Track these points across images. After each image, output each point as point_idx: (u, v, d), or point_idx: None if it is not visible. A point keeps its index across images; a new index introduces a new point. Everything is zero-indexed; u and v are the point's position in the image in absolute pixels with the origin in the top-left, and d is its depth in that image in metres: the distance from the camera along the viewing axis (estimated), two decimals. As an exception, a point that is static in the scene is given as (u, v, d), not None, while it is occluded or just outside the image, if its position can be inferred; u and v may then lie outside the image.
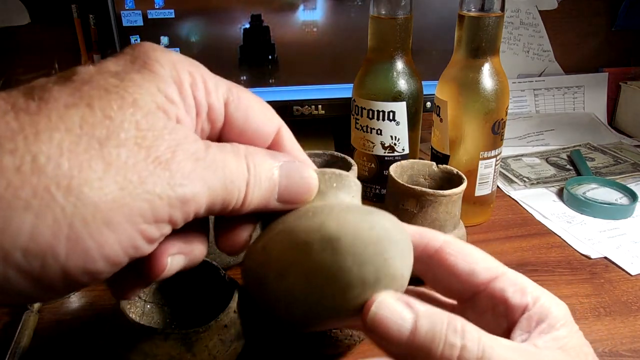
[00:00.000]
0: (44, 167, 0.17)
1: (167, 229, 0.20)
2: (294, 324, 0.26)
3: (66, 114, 0.18)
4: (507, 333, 0.26)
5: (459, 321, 0.23)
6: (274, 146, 0.25)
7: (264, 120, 0.24)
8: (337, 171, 0.26)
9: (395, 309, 0.23)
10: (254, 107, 0.24)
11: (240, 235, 0.25)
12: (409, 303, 0.23)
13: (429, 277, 0.29)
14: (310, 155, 0.53)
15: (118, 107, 0.19)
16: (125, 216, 0.18)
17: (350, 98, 0.63)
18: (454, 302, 0.31)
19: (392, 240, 0.23)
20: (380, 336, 0.23)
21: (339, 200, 0.26)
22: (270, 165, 0.23)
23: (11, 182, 0.16)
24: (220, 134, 0.24)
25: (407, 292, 0.28)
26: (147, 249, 0.20)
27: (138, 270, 0.23)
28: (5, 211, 0.16)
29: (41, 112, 0.18)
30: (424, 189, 0.49)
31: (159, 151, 0.19)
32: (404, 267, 0.24)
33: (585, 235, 0.61)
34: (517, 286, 0.27)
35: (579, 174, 0.76)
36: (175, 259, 0.23)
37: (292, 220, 0.24)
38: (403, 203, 0.50)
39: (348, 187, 0.26)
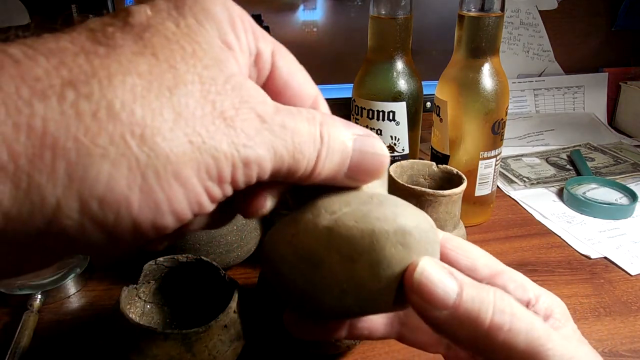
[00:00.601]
0: (119, 114, 0.16)
1: (229, 190, 0.19)
2: (334, 312, 0.25)
3: (135, 60, 0.17)
4: None
5: (503, 292, 0.23)
6: None
7: (306, 79, 0.24)
8: None
9: (442, 272, 0.23)
10: (297, 66, 0.23)
11: (265, 199, 0.23)
12: (453, 272, 0.23)
13: None
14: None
15: (181, 58, 0.18)
16: (194, 171, 0.17)
17: (350, 98, 0.63)
18: None
19: (438, 239, 0.24)
20: (426, 298, 0.22)
21: (384, 191, 0.25)
22: (345, 137, 0.22)
23: (89, 128, 0.16)
24: (264, 86, 0.22)
25: None
26: (210, 207, 0.19)
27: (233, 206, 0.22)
28: (85, 158, 0.16)
29: (110, 56, 0.17)
30: (424, 189, 0.49)
31: (223, 106, 0.18)
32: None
33: (585, 235, 0.61)
34: (517, 283, 0.27)
35: (579, 174, 0.76)
36: (269, 200, 0.23)
37: (360, 204, 0.23)
38: (403, 203, 0.50)
39: (385, 179, 0.26)
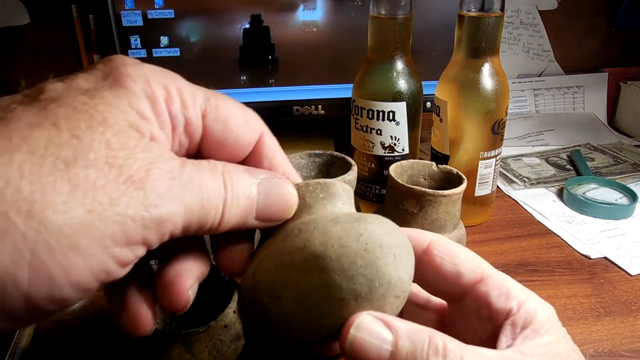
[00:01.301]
0: (1, 192, 0.16)
1: (142, 251, 0.19)
2: (297, 342, 0.26)
3: (30, 135, 0.17)
4: (493, 337, 0.26)
5: (440, 339, 0.22)
6: (254, 154, 0.25)
7: (244, 129, 0.24)
8: (322, 181, 0.25)
9: (374, 330, 0.22)
10: (234, 116, 0.23)
11: (239, 254, 0.25)
12: (388, 322, 0.22)
13: (418, 277, 0.29)
14: (310, 155, 0.53)
15: (87, 127, 0.18)
16: (95, 240, 0.17)
17: (350, 98, 0.63)
18: (439, 305, 0.31)
19: (383, 246, 0.22)
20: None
21: (327, 212, 0.25)
22: (248, 183, 0.23)
23: None
24: (199, 147, 0.23)
25: None
26: (120, 272, 0.19)
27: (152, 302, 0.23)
28: None
29: (1, 134, 0.17)
30: (423, 189, 0.49)
31: (131, 170, 0.18)
32: (402, 270, 0.23)
33: (585, 235, 0.61)
34: (501, 290, 0.26)
35: (579, 174, 0.76)
36: (194, 287, 0.23)
37: (278, 241, 0.23)
38: (403, 203, 0.50)
39: (336, 195, 0.25)
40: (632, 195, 0.68)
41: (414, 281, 0.29)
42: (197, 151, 0.23)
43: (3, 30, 0.82)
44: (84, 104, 0.18)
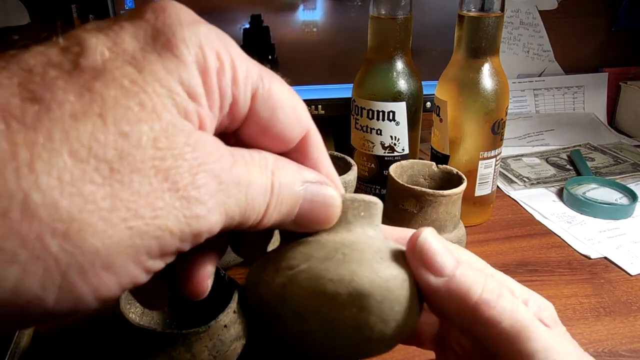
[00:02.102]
0: (36, 210, 0.14)
1: (170, 260, 0.18)
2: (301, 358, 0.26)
3: (72, 128, 0.15)
4: None
5: (496, 280, 0.23)
6: (298, 151, 0.23)
7: (292, 122, 0.21)
8: (367, 198, 0.24)
9: (443, 246, 0.23)
10: (284, 105, 0.21)
11: (256, 248, 0.24)
12: (452, 251, 0.24)
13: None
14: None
15: (136, 120, 0.16)
16: (130, 257, 0.16)
17: (350, 98, 0.63)
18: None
19: (410, 295, 0.23)
20: (425, 262, 0.23)
21: (366, 236, 0.24)
22: (297, 185, 0.21)
23: None
24: (240, 127, 0.21)
25: None
26: (144, 280, 0.17)
27: (168, 288, 0.22)
28: None
29: (41, 125, 0.14)
30: (423, 189, 0.49)
31: (177, 174, 0.16)
32: (417, 315, 0.24)
33: (585, 235, 0.61)
34: (505, 287, 0.27)
35: (579, 174, 0.76)
36: (212, 275, 0.22)
37: (318, 259, 0.22)
38: (403, 203, 0.50)
39: (375, 216, 0.25)
40: (632, 195, 0.68)
41: None
42: (235, 132, 0.21)
43: (3, 30, 0.82)
44: (133, 82, 0.16)
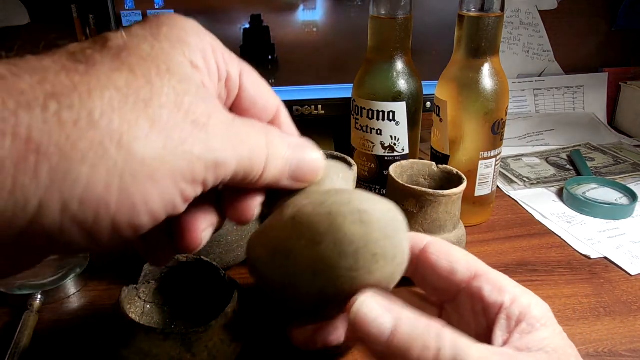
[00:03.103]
0: (98, 122, 0.18)
1: (199, 190, 0.21)
2: (312, 298, 0.26)
3: (112, 76, 0.19)
4: (488, 332, 0.27)
5: (437, 326, 0.24)
6: (275, 121, 0.27)
7: (270, 95, 0.26)
8: (338, 162, 0.29)
9: (377, 311, 0.24)
10: (261, 83, 0.26)
11: (252, 205, 0.26)
12: (390, 308, 0.24)
13: (417, 277, 0.30)
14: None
15: (156, 74, 0.20)
16: (168, 173, 0.19)
17: (350, 98, 0.63)
18: (440, 302, 0.31)
19: (402, 222, 0.26)
20: (362, 333, 0.24)
21: (339, 187, 0.27)
22: (285, 145, 0.25)
23: (70, 135, 0.17)
24: (233, 104, 0.25)
25: (401, 292, 0.29)
26: (182, 207, 0.21)
27: (172, 243, 0.25)
28: (65, 162, 0.17)
29: (90, 73, 0.18)
30: (423, 189, 0.49)
31: (196, 114, 0.20)
32: (406, 247, 0.26)
33: (585, 235, 0.61)
34: (494, 285, 0.28)
35: (579, 174, 0.76)
36: (207, 232, 0.25)
37: (318, 196, 0.25)
38: (403, 203, 0.50)
39: (350, 180, 0.29)
40: (632, 195, 0.68)
41: (414, 282, 0.30)
42: (230, 109, 0.25)
43: (3, 30, 0.82)
44: (148, 54, 0.20)
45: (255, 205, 0.26)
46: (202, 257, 0.43)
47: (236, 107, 0.25)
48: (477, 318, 0.28)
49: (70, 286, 0.50)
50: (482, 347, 0.23)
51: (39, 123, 0.17)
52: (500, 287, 0.27)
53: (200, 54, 0.22)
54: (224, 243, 0.50)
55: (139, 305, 0.44)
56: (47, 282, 0.49)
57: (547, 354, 0.24)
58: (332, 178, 0.28)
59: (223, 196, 0.26)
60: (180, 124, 0.20)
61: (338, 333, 0.30)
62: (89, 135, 0.17)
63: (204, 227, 0.25)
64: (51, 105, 0.17)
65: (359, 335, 0.24)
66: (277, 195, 0.27)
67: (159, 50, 0.21)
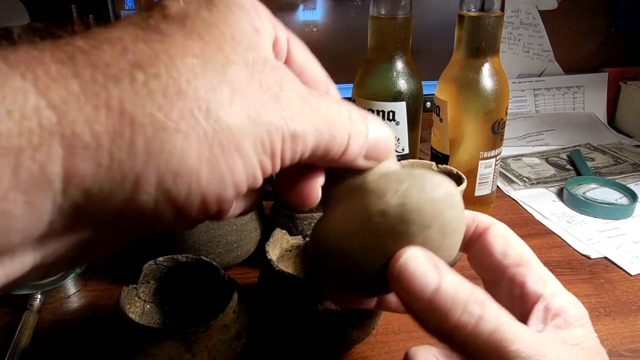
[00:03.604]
0: (186, 91, 0.17)
1: (278, 165, 0.20)
2: None
3: (187, 44, 0.18)
4: (520, 320, 0.26)
5: (481, 293, 0.23)
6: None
7: (318, 69, 0.25)
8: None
9: (425, 266, 0.23)
10: (309, 54, 0.24)
11: (316, 186, 0.25)
12: (437, 265, 0.24)
13: (471, 253, 0.30)
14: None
15: (223, 40, 0.19)
16: (251, 144, 0.18)
17: (350, 98, 0.63)
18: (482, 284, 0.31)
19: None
20: (405, 288, 0.23)
21: (397, 165, 0.27)
22: (363, 120, 0.23)
23: (162, 106, 0.16)
24: None
25: None
26: (260, 182, 0.20)
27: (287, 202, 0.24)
28: (161, 133, 0.16)
29: (166, 41, 0.18)
30: (423, 189, 0.48)
31: (268, 84, 0.19)
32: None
33: (585, 235, 0.61)
34: (540, 276, 0.28)
35: (579, 174, 0.76)
36: (319, 191, 0.24)
37: (410, 178, 0.25)
38: (403, 203, 0.50)
39: (394, 154, 0.28)
40: (632, 195, 0.68)
41: (467, 255, 0.31)
42: None
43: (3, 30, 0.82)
44: (210, 21, 0.19)
45: (318, 186, 0.24)
46: (202, 257, 0.43)
47: None
48: (513, 303, 0.27)
49: (70, 286, 0.50)
50: (523, 328, 0.23)
51: (129, 95, 0.16)
52: (545, 280, 0.27)
53: (256, 16, 0.21)
54: (223, 243, 0.50)
55: (138, 305, 0.44)
56: (47, 282, 0.49)
57: (583, 350, 0.24)
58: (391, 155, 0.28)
59: (278, 179, 0.25)
60: (257, 92, 0.19)
61: (372, 301, 0.30)
62: (179, 105, 0.17)
63: (319, 182, 0.24)
64: (138, 76, 0.16)
65: (401, 290, 0.23)
66: (334, 176, 0.26)
67: (217, 14, 0.20)
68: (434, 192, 0.24)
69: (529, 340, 0.23)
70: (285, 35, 0.23)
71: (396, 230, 0.24)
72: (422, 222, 0.24)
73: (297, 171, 0.24)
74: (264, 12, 0.22)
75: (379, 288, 0.27)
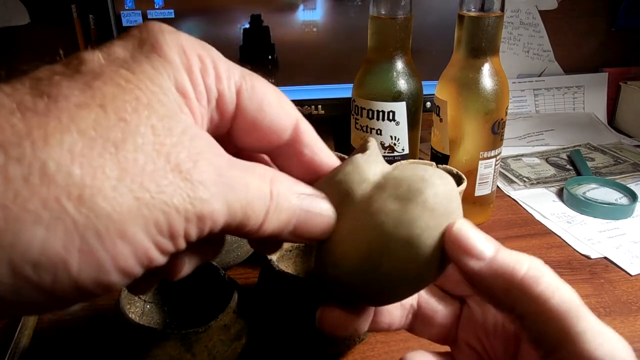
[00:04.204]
0: (53, 176, 0.16)
1: (182, 244, 0.19)
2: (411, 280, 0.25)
3: (78, 115, 0.16)
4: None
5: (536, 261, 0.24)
6: (293, 143, 0.24)
7: (279, 113, 0.23)
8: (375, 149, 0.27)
9: (480, 234, 0.24)
10: (269, 98, 0.22)
11: (183, 264, 0.23)
12: (491, 239, 0.24)
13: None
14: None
15: (133, 110, 0.17)
16: (141, 227, 0.17)
17: (350, 98, 0.64)
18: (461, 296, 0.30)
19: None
20: (464, 248, 0.23)
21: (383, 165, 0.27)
22: (293, 195, 0.22)
23: (19, 194, 0.15)
24: (232, 126, 0.22)
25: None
26: (162, 260, 0.18)
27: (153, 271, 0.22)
28: (15, 224, 0.15)
29: (50, 113, 0.16)
30: (423, 189, 0.48)
31: (179, 159, 0.18)
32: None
33: (585, 235, 0.61)
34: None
35: (578, 174, 0.76)
36: (192, 260, 0.23)
37: (417, 173, 0.25)
38: (403, 203, 0.50)
39: (378, 152, 0.27)
40: (632, 195, 0.68)
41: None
42: (228, 132, 0.22)
43: (3, 30, 0.82)
44: (128, 81, 0.18)
45: (186, 265, 0.22)
46: (202, 257, 0.43)
47: (235, 130, 0.22)
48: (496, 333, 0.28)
49: (70, 286, 0.50)
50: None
51: None
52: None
53: (186, 75, 0.19)
54: (224, 243, 0.50)
55: (139, 305, 0.44)
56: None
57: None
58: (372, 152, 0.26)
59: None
60: (159, 170, 0.17)
61: (368, 322, 0.28)
62: (42, 193, 0.15)
63: (187, 270, 0.23)
64: None
65: (460, 252, 0.23)
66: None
67: (140, 74, 0.18)
68: (420, 194, 0.24)
69: (590, 313, 0.23)
70: (233, 87, 0.21)
71: (422, 222, 0.24)
72: (434, 225, 0.24)
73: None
74: (204, 64, 0.20)
75: (404, 291, 0.26)
